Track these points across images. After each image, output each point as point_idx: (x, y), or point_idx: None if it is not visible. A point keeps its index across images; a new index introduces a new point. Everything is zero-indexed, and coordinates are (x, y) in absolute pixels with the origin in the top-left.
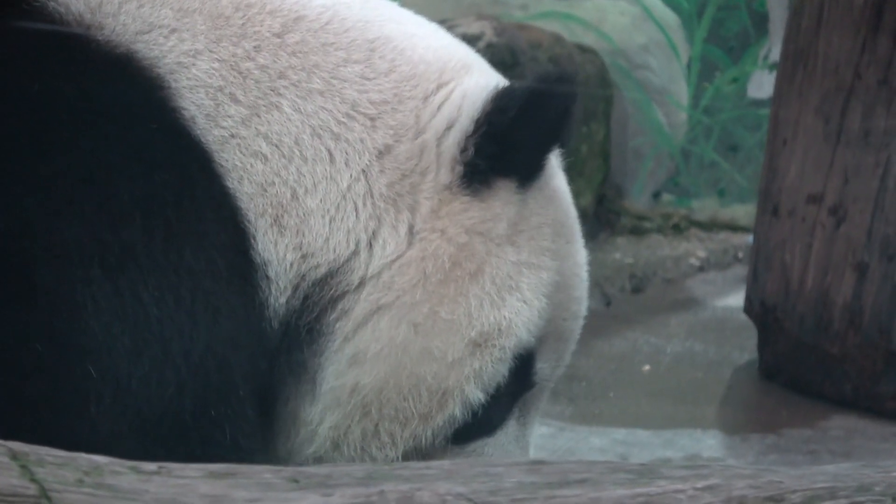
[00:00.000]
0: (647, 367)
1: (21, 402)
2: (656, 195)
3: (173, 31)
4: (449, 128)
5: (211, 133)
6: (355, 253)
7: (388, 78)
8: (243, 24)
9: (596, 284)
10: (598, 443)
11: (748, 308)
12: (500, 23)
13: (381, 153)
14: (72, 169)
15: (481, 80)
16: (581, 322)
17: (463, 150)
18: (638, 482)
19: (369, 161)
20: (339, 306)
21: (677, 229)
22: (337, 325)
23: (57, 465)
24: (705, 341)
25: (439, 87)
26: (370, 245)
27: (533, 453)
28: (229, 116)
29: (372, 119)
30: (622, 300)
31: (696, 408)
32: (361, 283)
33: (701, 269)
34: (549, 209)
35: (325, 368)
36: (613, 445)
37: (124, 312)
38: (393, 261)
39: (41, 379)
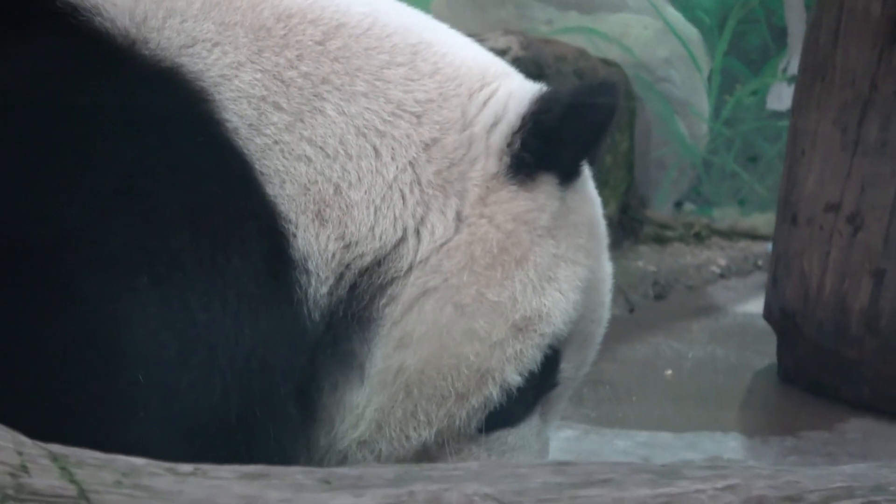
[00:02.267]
0: (669, 372)
1: (71, 408)
2: (678, 204)
3: (216, 44)
4: (496, 123)
5: (253, 142)
6: (403, 239)
7: (433, 79)
8: (285, 35)
9: (620, 291)
10: (621, 445)
11: (768, 314)
12: (526, 37)
13: (428, 145)
14: (119, 180)
15: (524, 83)
16: (603, 329)
17: (510, 144)
18: (660, 482)
19: (416, 153)
20: (389, 292)
21: (699, 238)
22: (386, 311)
23: (96, 466)
24: (726, 346)
25: (483, 87)
26: (418, 231)
27: (558, 455)
28: (272, 124)
29: (417, 116)
30: (645, 307)
31: (717, 411)
32: (410, 269)
33: (722, 276)
34: (585, 210)
35: (374, 353)
36: (637, 447)
37: (170, 320)
38: (441, 245)
39: (91, 386)
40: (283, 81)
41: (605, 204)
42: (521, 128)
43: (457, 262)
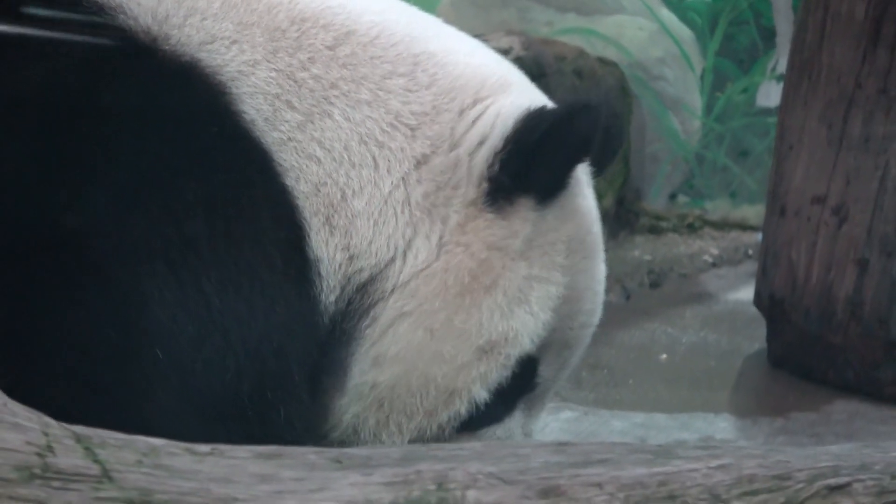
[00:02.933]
0: (664, 356)
1: (95, 384)
2: (672, 197)
3: (234, 42)
4: (481, 143)
5: (270, 135)
6: (393, 259)
7: (429, 91)
8: (298, 37)
9: (617, 280)
10: (618, 426)
11: (757, 301)
12: (527, 38)
13: (419, 163)
14: (142, 169)
15: (517, 99)
16: (590, 331)
17: (490, 166)
18: (656, 462)
19: (408, 169)
20: (371, 314)
21: (692, 228)
22: (367, 332)
23: (118, 447)
24: (718, 332)
25: (476, 102)
26: (405, 254)
27: (558, 436)
28: (286, 121)
29: (412, 129)
30: (641, 294)
31: (709, 393)
32: (392, 291)
33: (714, 265)
34: (567, 226)
35: (353, 368)
36: (633, 428)
37: (188, 302)
38: (421, 270)
39: (114, 363)
40: (295, 81)
41: (602, 197)
42: (503, 149)
43: (432, 288)
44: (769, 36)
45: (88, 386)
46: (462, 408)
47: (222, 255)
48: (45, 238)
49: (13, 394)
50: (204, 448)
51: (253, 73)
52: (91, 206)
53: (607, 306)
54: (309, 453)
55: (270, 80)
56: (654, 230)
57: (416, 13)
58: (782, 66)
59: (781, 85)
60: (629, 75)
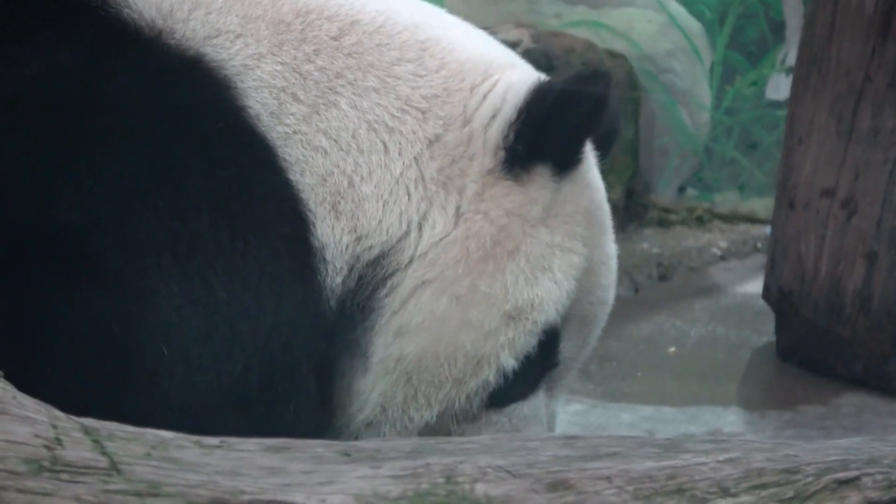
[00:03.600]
0: (672, 349)
1: (101, 378)
2: (681, 190)
3: (238, 35)
4: (494, 116)
5: (275, 129)
6: (407, 233)
7: (439, 74)
8: (303, 30)
9: (625, 272)
10: (627, 419)
11: (766, 294)
12: (536, 30)
13: (432, 142)
14: (146, 165)
15: (524, 74)
16: (607, 309)
17: (505, 137)
18: (664, 455)
19: (420, 150)
20: (389, 283)
21: (700, 221)
22: (386, 301)
23: (126, 439)
24: (726, 325)
25: (485, 80)
26: (420, 226)
27: (567, 429)
28: (292, 114)
29: (423, 112)
30: (649, 287)
31: (718, 386)
32: (410, 261)
33: (722, 258)
34: (583, 198)
35: (375, 342)
36: (641, 421)
37: (194, 297)
38: (440, 239)
39: (119, 357)
40: (300, 74)
41: (611, 189)
42: (516, 120)
43: (453, 255)
44: (778, 29)
45: (94, 380)
46: (490, 375)
47: (227, 251)
48: (51, 232)
49: (19, 387)
50: (212, 441)
51: (258, 67)
52: (96, 202)
53: (616, 299)
54: (317, 446)
55: (276, 73)
56: (663, 223)
57: (419, 3)
58: (792, 59)
59: (791, 78)
60: (638, 68)
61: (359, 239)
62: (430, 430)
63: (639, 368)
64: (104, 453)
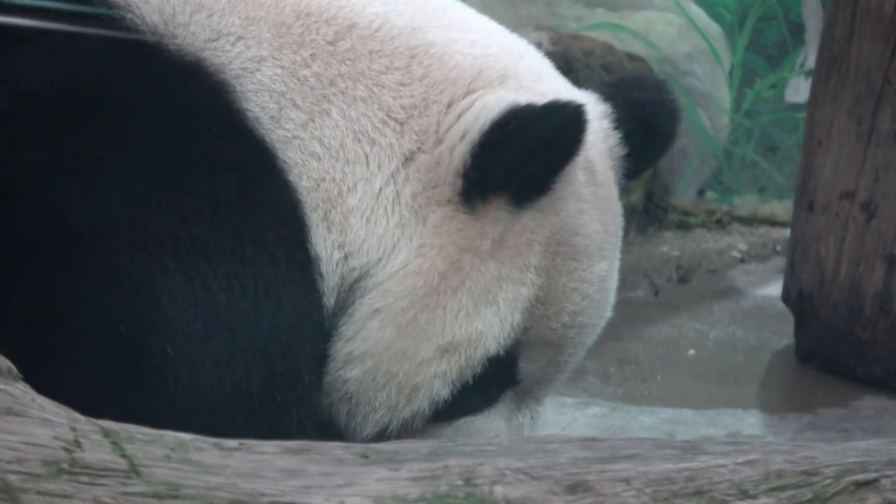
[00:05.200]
0: (692, 352)
1: (106, 378)
2: (701, 192)
3: (239, 38)
4: (462, 138)
5: (275, 133)
6: (379, 260)
7: (421, 83)
8: (302, 33)
9: (645, 275)
10: (646, 421)
11: (786, 297)
12: (556, 33)
13: (407, 159)
14: (146, 169)
15: (509, 93)
16: (585, 331)
17: (465, 163)
18: (683, 457)
19: (397, 166)
20: (349, 311)
21: (720, 224)
22: (342, 329)
23: (145, 441)
24: (746, 328)
25: (466, 95)
26: (390, 255)
27: (586, 431)
28: (291, 120)
29: (401, 124)
30: (669, 289)
31: (737, 389)
32: (371, 290)
33: (742, 260)
34: (544, 228)
35: (329, 364)
36: (661, 424)
37: (196, 299)
38: (397, 271)
39: (124, 358)
40: (298, 80)
41: (631, 192)
42: (476, 144)
43: (403, 288)
44: (798, 31)
45: (99, 381)
46: (424, 404)
47: (228, 254)
48: (52, 236)
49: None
50: (232, 443)
51: (258, 70)
52: (97, 206)
53: (635, 301)
54: (336, 448)
55: (276, 77)
56: (683, 226)
57: (430, 2)
58: (811, 62)
59: (810, 80)
60: (657, 71)
61: (346, 257)
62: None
63: (658, 371)
64: (123, 455)
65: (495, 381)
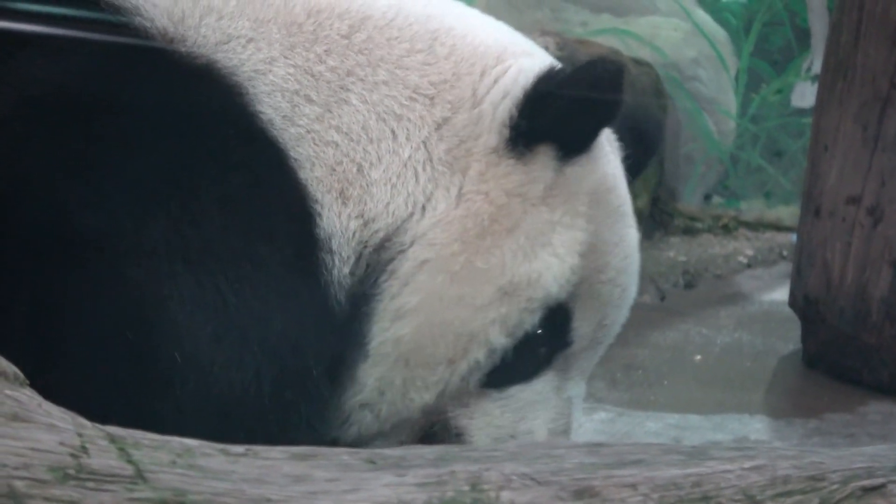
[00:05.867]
0: (698, 357)
1: (115, 384)
2: (707, 197)
3: (250, 40)
4: (504, 97)
5: (287, 132)
6: (411, 215)
7: (448, 60)
8: (314, 30)
9: (651, 280)
10: (653, 427)
11: (792, 302)
12: (562, 38)
13: (440, 125)
14: (157, 173)
15: (539, 60)
16: (626, 295)
17: (511, 116)
18: (689, 463)
19: (429, 133)
20: (389, 268)
21: (726, 229)
22: (385, 286)
23: (152, 447)
24: (752, 333)
25: (498, 64)
26: (424, 208)
27: (592, 437)
28: (305, 115)
29: (431, 98)
30: (675, 295)
31: (743, 394)
32: (412, 243)
33: (748, 266)
34: (587, 182)
35: (373, 328)
36: (667, 429)
37: (205, 302)
38: (440, 220)
39: (132, 363)
40: (313, 76)
41: (637, 198)
42: (522, 100)
43: (451, 233)
44: (804, 36)
45: (106, 387)
46: (480, 353)
47: (235, 255)
48: (61, 240)
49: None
50: (238, 449)
51: (270, 71)
52: (106, 210)
53: (642, 307)
54: (342, 454)
55: (288, 76)
56: (689, 231)
57: None
58: (817, 67)
59: (816, 85)
60: (663, 76)
61: (366, 223)
62: (426, 413)
63: (665, 376)
64: (130, 461)
65: (548, 341)
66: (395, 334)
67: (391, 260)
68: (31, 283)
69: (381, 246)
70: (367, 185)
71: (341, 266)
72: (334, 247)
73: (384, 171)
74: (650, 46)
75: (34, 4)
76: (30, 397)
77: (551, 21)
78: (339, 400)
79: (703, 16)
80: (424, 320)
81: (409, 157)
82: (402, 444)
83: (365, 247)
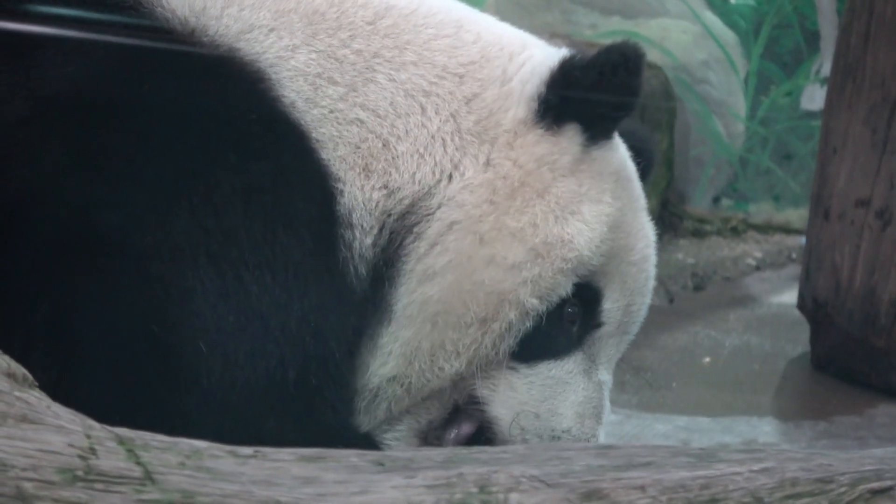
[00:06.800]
0: (707, 360)
1: (140, 378)
2: (716, 200)
3: (272, 29)
4: (532, 76)
5: (309, 113)
6: (438, 181)
7: (475, 45)
8: (338, 18)
9: (660, 282)
10: (662, 429)
11: (801, 304)
12: (571, 40)
13: (469, 100)
14: (181, 164)
15: (559, 50)
16: (648, 282)
17: (539, 93)
18: (698, 465)
19: (458, 107)
20: (416, 230)
21: (735, 232)
22: (412, 247)
23: (161, 449)
24: (761, 335)
25: (524, 50)
26: (451, 175)
27: (601, 439)
28: (328, 97)
29: (460, 76)
30: (684, 297)
31: (752, 397)
32: (439, 206)
33: (757, 268)
34: (612, 166)
35: (399, 290)
36: (676, 431)
37: (227, 292)
38: (468, 184)
39: (158, 357)
40: (336, 59)
41: (646, 200)
42: (550, 77)
43: (479, 195)
44: (813, 39)
45: (132, 382)
46: (512, 314)
47: (259, 243)
48: (82, 234)
49: (58, 389)
50: (247, 450)
51: (292, 58)
52: (128, 203)
53: (650, 309)
54: (351, 456)
55: (311, 61)
56: (698, 233)
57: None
58: (826, 70)
59: (825, 88)
60: (673, 78)
61: (390, 193)
62: (455, 383)
63: (673, 379)
64: (138, 463)
65: (580, 318)
66: (423, 295)
67: (417, 223)
68: (55, 280)
69: (407, 211)
70: (393, 158)
71: (363, 238)
72: (354, 220)
73: (412, 143)
74: (660, 49)
75: None
76: (39, 399)
77: (561, 23)
78: (365, 376)
79: (712, 18)
80: (453, 281)
81: (438, 129)
82: (430, 422)
83: (389, 216)
